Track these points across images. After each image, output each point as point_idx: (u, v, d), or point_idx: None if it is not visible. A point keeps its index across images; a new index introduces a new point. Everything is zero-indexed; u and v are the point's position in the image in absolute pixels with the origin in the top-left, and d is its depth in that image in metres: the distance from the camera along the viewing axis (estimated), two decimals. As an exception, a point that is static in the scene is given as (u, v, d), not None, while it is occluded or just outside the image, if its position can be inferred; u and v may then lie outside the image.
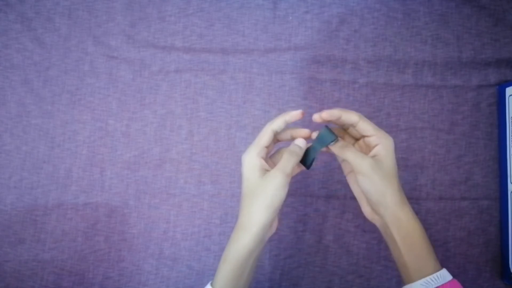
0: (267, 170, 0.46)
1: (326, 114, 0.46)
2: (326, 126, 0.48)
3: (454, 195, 0.60)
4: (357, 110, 0.61)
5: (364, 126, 0.47)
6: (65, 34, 0.65)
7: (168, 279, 0.61)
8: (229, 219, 0.61)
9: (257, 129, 0.62)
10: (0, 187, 0.63)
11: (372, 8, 0.63)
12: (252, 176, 0.45)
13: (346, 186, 0.60)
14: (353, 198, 0.61)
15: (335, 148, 0.48)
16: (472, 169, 0.61)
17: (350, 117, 0.47)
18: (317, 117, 0.47)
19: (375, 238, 0.60)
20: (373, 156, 0.47)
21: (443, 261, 0.59)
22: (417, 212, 0.60)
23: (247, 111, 0.63)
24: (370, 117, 0.61)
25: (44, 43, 0.65)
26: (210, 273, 0.60)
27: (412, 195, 0.60)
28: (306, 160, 0.49)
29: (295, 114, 0.47)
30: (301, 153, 0.48)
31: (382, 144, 0.47)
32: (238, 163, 0.62)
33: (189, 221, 0.61)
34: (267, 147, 0.47)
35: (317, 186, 0.61)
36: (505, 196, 0.59)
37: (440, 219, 0.60)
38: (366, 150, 0.48)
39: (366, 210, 0.50)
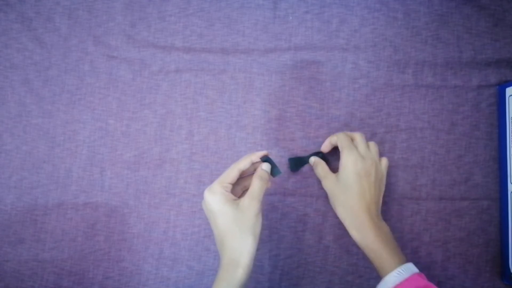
0: (235, 201, 0.47)
1: (325, 147, 0.58)
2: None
3: (454, 195, 0.60)
4: (357, 110, 0.62)
5: (338, 143, 0.56)
6: (65, 34, 0.65)
7: (168, 279, 0.61)
8: (229, 219, 0.61)
9: (257, 129, 0.62)
10: (0, 187, 0.63)
11: (372, 8, 0.63)
12: (226, 210, 0.46)
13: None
14: (353, 198, 0.61)
15: (312, 163, 0.58)
16: (472, 169, 0.61)
17: (332, 138, 0.57)
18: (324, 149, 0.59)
19: (375, 238, 0.60)
20: (337, 173, 0.55)
21: (443, 261, 0.59)
22: (417, 212, 0.60)
23: (247, 111, 0.63)
24: (370, 117, 0.62)
25: (44, 43, 0.65)
26: (210, 273, 0.60)
27: (412, 195, 0.60)
28: (294, 167, 0.60)
29: (260, 154, 0.50)
30: (268, 178, 0.50)
31: (341, 160, 0.54)
32: (238, 163, 0.62)
33: (189, 221, 0.61)
34: (231, 184, 0.48)
35: (317, 186, 0.61)
36: (505, 196, 0.59)
37: (440, 219, 0.60)
38: None
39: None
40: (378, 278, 0.60)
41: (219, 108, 0.63)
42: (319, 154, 0.59)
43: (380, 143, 0.61)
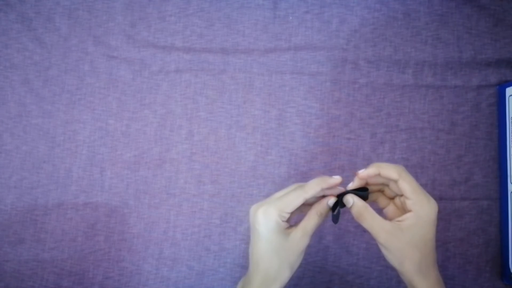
0: (286, 230, 0.44)
1: (363, 174, 0.43)
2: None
3: (454, 195, 0.60)
4: (357, 110, 0.62)
5: (403, 186, 0.42)
6: (65, 34, 0.65)
7: (168, 279, 0.61)
8: (229, 219, 0.61)
9: (257, 129, 0.62)
10: (0, 187, 0.63)
11: (372, 8, 0.63)
12: (274, 238, 0.42)
13: (346, 185, 0.61)
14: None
15: (353, 211, 0.44)
16: (472, 169, 0.61)
17: (389, 173, 0.42)
18: (356, 180, 0.44)
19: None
20: (399, 221, 0.42)
21: (443, 261, 0.59)
22: (417, 212, 0.60)
23: (247, 111, 0.63)
24: (370, 117, 0.62)
25: (44, 43, 0.65)
26: (210, 273, 0.60)
27: (412, 195, 0.60)
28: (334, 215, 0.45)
29: (333, 182, 0.43)
30: (327, 214, 0.45)
31: (415, 212, 0.41)
32: (238, 163, 0.62)
33: (189, 221, 0.61)
34: (290, 213, 0.43)
35: (317, 186, 0.61)
36: (505, 196, 0.59)
37: (440, 219, 0.59)
38: (401, 209, 0.45)
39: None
40: (378, 278, 0.60)
41: (219, 108, 0.63)
42: (363, 191, 0.44)
43: (380, 143, 0.61)
